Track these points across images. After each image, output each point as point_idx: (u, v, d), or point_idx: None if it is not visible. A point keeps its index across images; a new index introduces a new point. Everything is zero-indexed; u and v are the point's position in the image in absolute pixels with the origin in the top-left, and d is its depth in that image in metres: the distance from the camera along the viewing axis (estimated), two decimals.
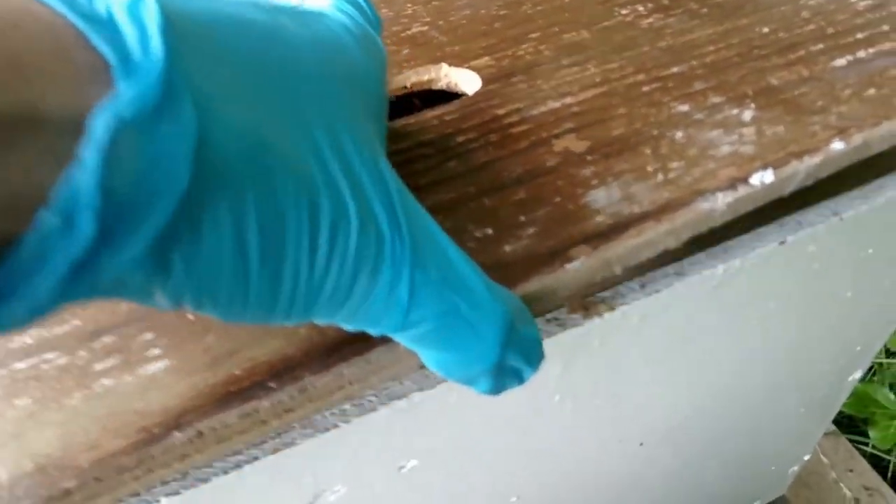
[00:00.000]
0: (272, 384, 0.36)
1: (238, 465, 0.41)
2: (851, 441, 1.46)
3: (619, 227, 0.42)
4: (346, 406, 0.43)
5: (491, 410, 0.49)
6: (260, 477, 0.41)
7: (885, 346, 1.53)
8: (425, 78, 0.57)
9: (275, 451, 0.41)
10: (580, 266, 0.41)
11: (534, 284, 0.40)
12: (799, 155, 0.46)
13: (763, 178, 0.44)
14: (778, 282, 0.58)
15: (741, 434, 0.79)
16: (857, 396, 1.46)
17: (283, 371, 0.36)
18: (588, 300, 0.50)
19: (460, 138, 0.49)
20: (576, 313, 0.49)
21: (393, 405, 0.44)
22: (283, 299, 0.27)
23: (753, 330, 0.61)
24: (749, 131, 0.47)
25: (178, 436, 0.34)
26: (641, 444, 0.66)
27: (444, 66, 0.57)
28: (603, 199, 0.44)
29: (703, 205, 0.43)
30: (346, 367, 0.37)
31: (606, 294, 0.50)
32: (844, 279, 0.64)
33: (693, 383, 0.63)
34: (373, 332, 0.33)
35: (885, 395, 1.46)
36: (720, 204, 0.43)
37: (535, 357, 0.37)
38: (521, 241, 0.41)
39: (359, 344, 0.37)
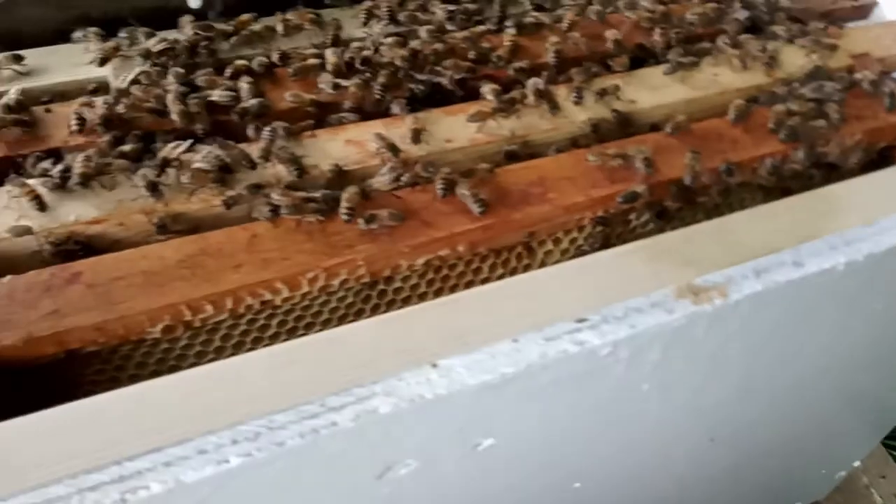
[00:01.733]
0: None
1: (315, 431, 0.37)
2: (886, 447, 1.41)
3: None
4: (433, 376, 0.39)
5: (580, 393, 0.45)
6: (336, 444, 0.38)
7: None
8: None
9: (355, 417, 0.37)
10: None
11: None
12: None
13: None
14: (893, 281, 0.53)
15: (808, 435, 0.75)
16: None
17: None
18: (698, 285, 0.45)
19: None
20: (684, 299, 0.45)
21: (482, 379, 0.40)
22: None
23: (855, 328, 0.56)
24: None
25: None
26: (712, 440, 0.62)
27: None
28: None
29: None
30: None
31: (718, 279, 0.45)
32: None
33: (777, 379, 0.59)
34: None
35: None
36: None
37: None
38: None
39: None
